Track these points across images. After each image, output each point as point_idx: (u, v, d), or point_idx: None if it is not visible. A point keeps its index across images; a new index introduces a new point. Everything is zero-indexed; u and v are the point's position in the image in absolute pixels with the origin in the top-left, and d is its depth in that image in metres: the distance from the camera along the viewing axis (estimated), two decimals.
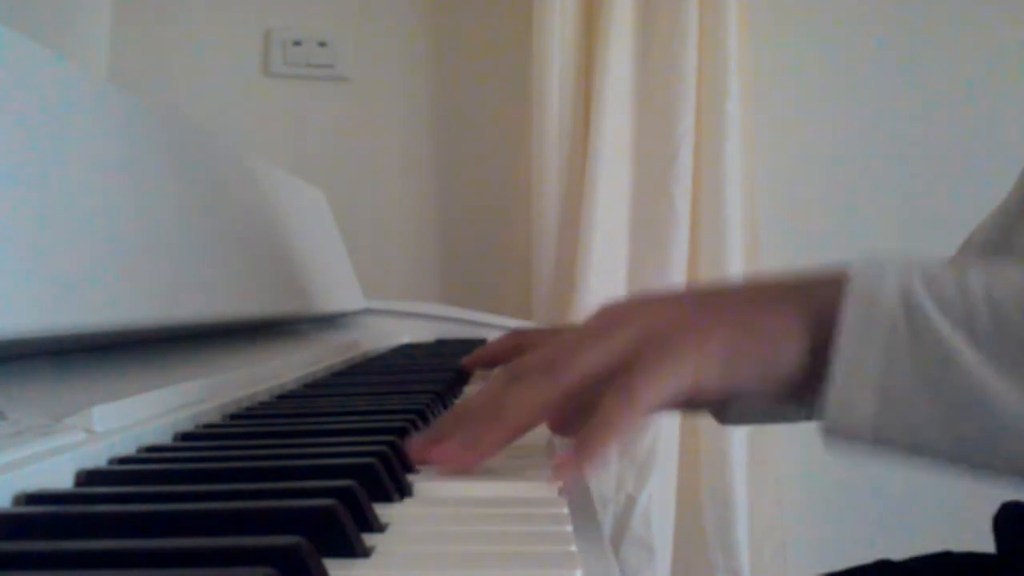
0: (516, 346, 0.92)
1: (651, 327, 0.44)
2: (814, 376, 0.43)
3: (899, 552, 0.80)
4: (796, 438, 1.53)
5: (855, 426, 0.41)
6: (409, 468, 0.44)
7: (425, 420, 0.55)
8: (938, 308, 0.40)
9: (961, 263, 0.43)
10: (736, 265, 1.63)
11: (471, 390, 0.78)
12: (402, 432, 0.48)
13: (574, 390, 0.44)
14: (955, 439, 0.40)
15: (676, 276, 1.62)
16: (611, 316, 0.47)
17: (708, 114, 1.64)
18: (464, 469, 0.43)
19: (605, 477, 1.56)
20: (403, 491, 0.40)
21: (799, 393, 0.45)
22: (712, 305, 0.46)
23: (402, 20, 1.82)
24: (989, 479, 0.41)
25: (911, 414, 0.40)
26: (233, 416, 0.57)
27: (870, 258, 0.43)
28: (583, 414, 0.44)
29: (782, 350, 0.43)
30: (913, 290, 0.41)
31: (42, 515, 0.33)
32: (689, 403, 0.44)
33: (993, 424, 0.40)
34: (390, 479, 0.39)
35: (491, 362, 0.91)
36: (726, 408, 0.58)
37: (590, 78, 1.66)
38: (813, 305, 0.44)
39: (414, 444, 0.45)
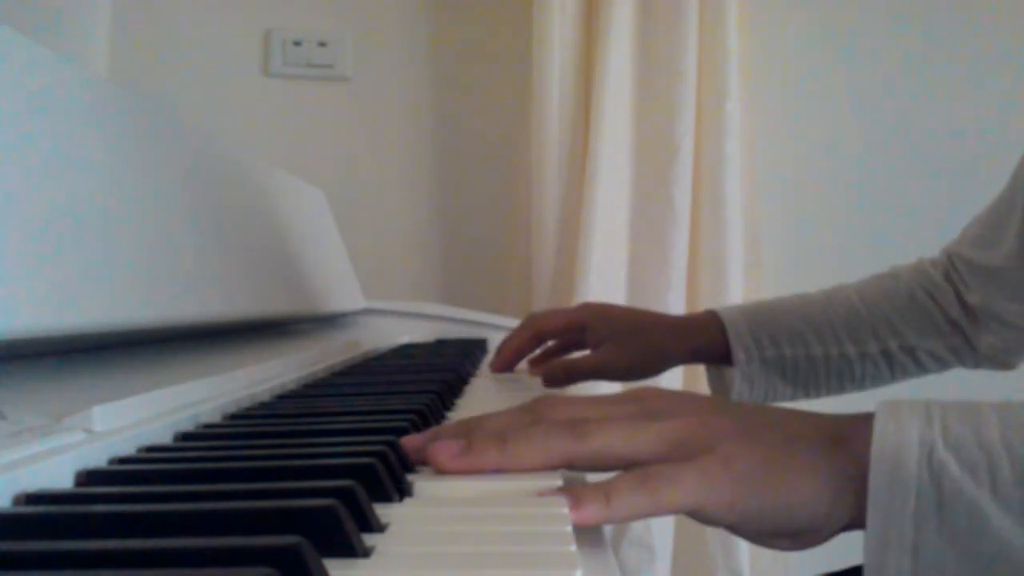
0: (535, 334, 0.92)
1: (686, 432, 0.44)
2: (824, 531, 0.44)
3: None
4: None
5: None
6: (409, 468, 0.44)
7: (425, 420, 0.55)
8: (960, 467, 0.41)
9: (975, 404, 0.43)
10: (736, 265, 1.63)
11: (471, 389, 0.78)
12: (402, 432, 0.48)
13: (587, 460, 0.44)
14: None
15: (676, 276, 1.62)
16: (652, 404, 0.47)
17: (708, 114, 1.64)
18: (452, 472, 0.43)
19: (605, 477, 1.56)
20: (403, 491, 0.40)
21: (803, 544, 0.45)
22: (749, 428, 0.45)
23: (402, 20, 1.82)
24: None
25: (946, 573, 0.41)
26: (233, 416, 0.57)
27: (888, 408, 0.43)
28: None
29: (798, 497, 0.43)
30: (936, 450, 0.41)
31: (42, 515, 0.33)
32: (691, 515, 0.44)
33: None
34: (390, 479, 0.39)
35: (517, 359, 0.91)
36: None
37: (590, 78, 1.66)
38: (839, 457, 0.44)
39: (413, 439, 0.46)
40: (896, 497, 0.41)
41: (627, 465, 0.44)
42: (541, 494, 0.40)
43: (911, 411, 0.43)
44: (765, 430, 0.45)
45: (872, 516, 0.42)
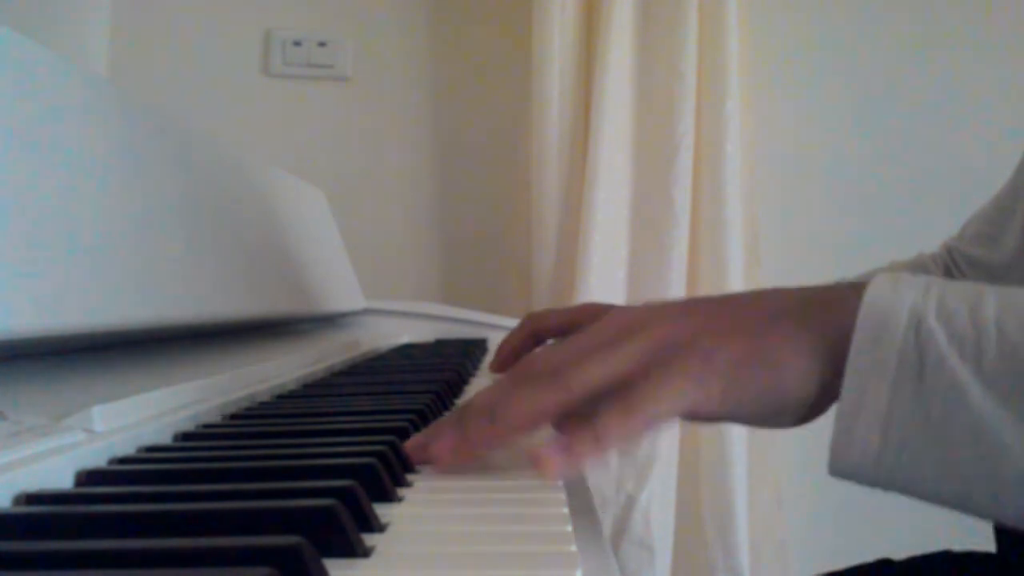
0: (532, 333, 0.92)
1: (661, 340, 0.44)
2: (822, 403, 0.43)
3: (899, 552, 0.80)
4: (796, 438, 1.52)
5: (856, 461, 0.41)
6: (409, 468, 0.44)
7: (425, 420, 0.55)
8: (948, 339, 0.39)
9: (979, 285, 0.42)
10: (736, 265, 1.63)
11: (472, 390, 0.78)
12: (402, 432, 0.48)
13: (574, 400, 0.44)
14: (959, 484, 0.39)
15: (676, 276, 1.62)
16: (622, 325, 0.46)
17: (708, 114, 1.64)
18: (458, 465, 0.43)
19: (605, 477, 1.56)
20: (403, 490, 0.40)
21: (804, 418, 0.44)
22: (724, 318, 0.45)
23: (402, 20, 1.82)
24: (998, 523, 0.40)
25: (914, 453, 0.40)
26: (233, 416, 0.57)
27: (887, 277, 0.42)
28: (582, 416, 0.43)
29: (788, 376, 0.42)
30: (926, 319, 0.40)
31: (42, 515, 0.33)
32: (687, 419, 0.44)
33: (1000, 470, 0.38)
34: (390, 479, 0.39)
35: (516, 358, 0.91)
36: None
37: (590, 78, 1.66)
38: (826, 327, 0.43)
39: (411, 443, 0.46)
40: (876, 360, 0.40)
41: (614, 388, 0.43)
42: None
43: (909, 282, 0.42)
44: (741, 316, 0.45)
45: (849, 378, 0.40)
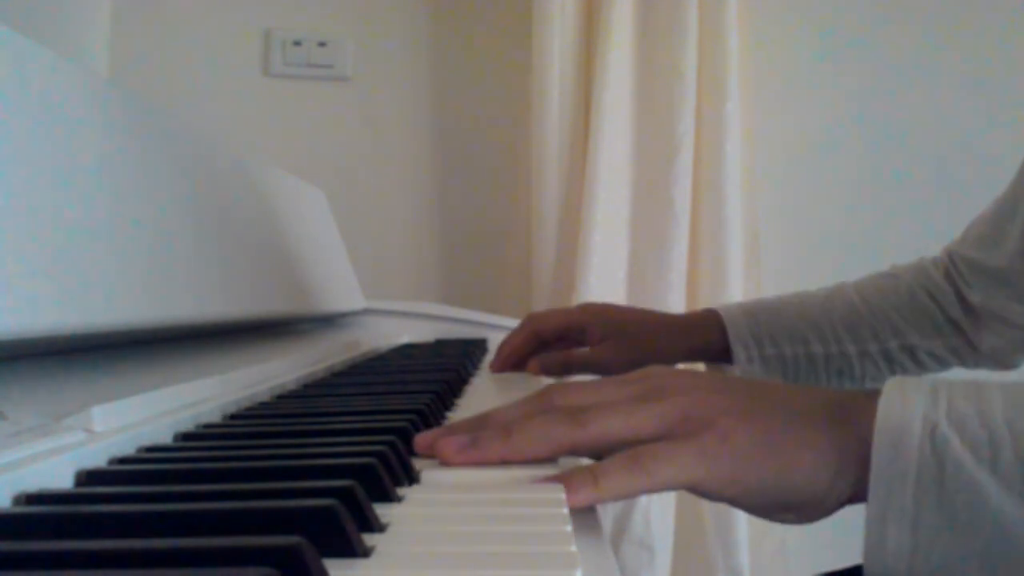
0: (533, 333, 0.92)
1: (685, 410, 0.45)
2: (827, 504, 0.44)
3: None
4: None
5: (891, 564, 0.42)
6: (409, 468, 0.44)
7: (425, 420, 0.55)
8: (962, 444, 0.41)
9: (980, 383, 0.44)
10: (736, 265, 1.63)
11: (471, 389, 0.78)
12: (402, 432, 0.48)
13: (588, 444, 0.45)
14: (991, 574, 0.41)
15: (676, 276, 1.62)
16: (653, 384, 0.47)
17: (708, 114, 1.64)
18: (458, 464, 0.44)
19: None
20: (403, 490, 0.40)
21: (807, 518, 0.45)
22: (750, 404, 0.46)
23: (402, 20, 1.82)
24: None
25: (945, 553, 0.41)
26: (233, 416, 0.57)
27: (895, 386, 0.44)
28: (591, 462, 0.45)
29: (798, 471, 0.44)
30: (939, 426, 0.42)
31: (42, 515, 0.33)
32: (690, 491, 0.45)
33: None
34: (390, 479, 0.39)
35: (517, 359, 0.91)
36: None
37: (590, 78, 1.66)
38: (844, 433, 0.44)
39: (424, 435, 0.47)
40: (898, 470, 0.41)
41: (629, 446, 0.44)
42: (535, 483, 0.41)
43: (917, 388, 0.43)
44: (766, 406, 0.46)
45: (874, 488, 0.42)
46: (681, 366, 0.92)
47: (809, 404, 0.46)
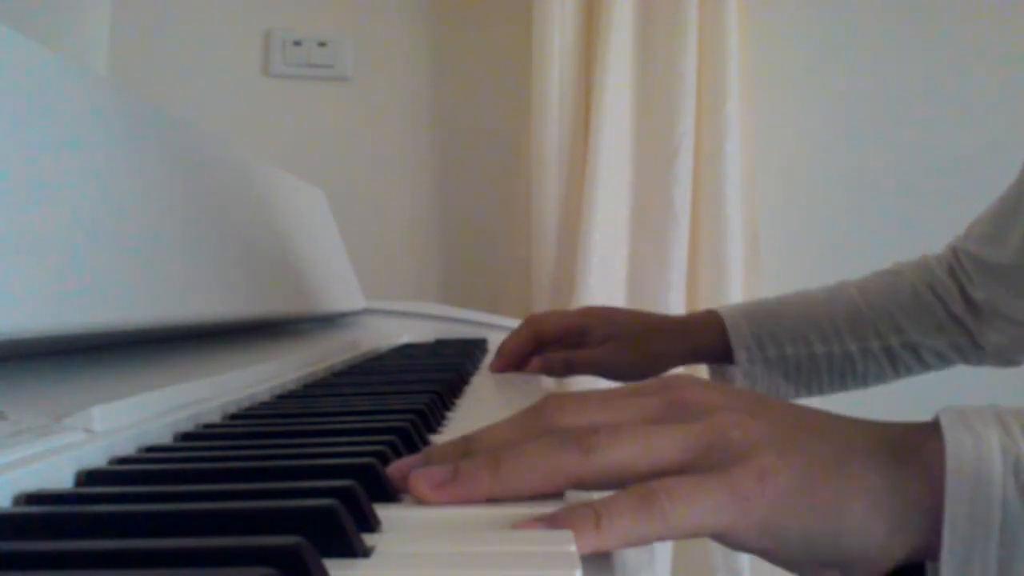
0: (534, 335, 0.92)
1: (718, 436, 0.37)
2: (880, 561, 0.37)
3: None
4: None
5: None
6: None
7: (425, 420, 0.55)
8: None
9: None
10: (736, 265, 1.63)
11: (471, 389, 0.78)
12: (402, 432, 0.48)
13: (594, 479, 0.37)
14: None
15: (676, 276, 1.62)
16: (677, 399, 0.40)
17: (708, 114, 1.64)
18: (434, 503, 0.36)
19: None
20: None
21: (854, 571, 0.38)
22: (795, 435, 0.38)
23: (402, 20, 1.82)
24: None
25: None
26: (233, 416, 0.57)
27: (955, 417, 0.37)
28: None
29: (847, 522, 0.36)
30: (1021, 460, 0.36)
31: (42, 515, 0.33)
32: (713, 539, 0.37)
33: None
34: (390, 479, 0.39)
35: (518, 360, 0.90)
36: None
37: (590, 78, 1.66)
38: (907, 477, 0.37)
39: (401, 464, 0.39)
40: (979, 518, 0.35)
41: (645, 479, 0.36)
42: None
43: (983, 419, 0.37)
44: (811, 439, 0.38)
45: (950, 542, 0.35)
46: (682, 369, 0.92)
47: (860, 439, 0.38)
